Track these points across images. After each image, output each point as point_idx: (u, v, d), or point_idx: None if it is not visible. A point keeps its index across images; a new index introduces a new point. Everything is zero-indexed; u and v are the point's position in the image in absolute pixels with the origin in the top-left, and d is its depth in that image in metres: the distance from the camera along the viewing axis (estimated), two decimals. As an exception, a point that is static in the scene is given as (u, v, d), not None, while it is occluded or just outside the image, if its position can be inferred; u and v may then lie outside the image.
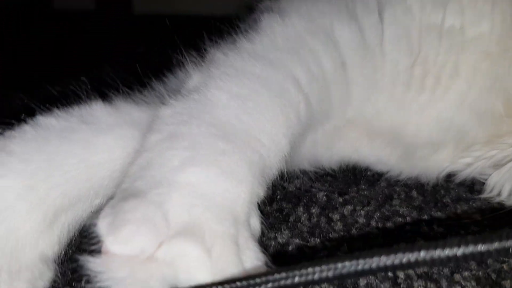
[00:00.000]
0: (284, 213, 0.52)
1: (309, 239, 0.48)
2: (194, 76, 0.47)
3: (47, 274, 0.40)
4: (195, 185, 0.35)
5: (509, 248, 0.26)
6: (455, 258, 0.26)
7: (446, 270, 0.43)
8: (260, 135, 0.41)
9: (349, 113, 0.55)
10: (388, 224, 0.50)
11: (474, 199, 0.55)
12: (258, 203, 0.40)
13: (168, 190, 0.34)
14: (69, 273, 0.43)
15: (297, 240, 0.48)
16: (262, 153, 0.41)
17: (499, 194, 0.54)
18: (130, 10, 2.16)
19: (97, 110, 0.44)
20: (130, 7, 2.16)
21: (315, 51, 0.50)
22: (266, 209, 0.52)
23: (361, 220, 0.51)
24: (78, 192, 0.41)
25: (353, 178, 0.59)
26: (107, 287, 0.31)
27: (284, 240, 0.48)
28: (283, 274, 0.28)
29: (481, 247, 0.26)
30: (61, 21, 1.98)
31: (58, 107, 0.43)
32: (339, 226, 0.50)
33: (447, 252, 0.26)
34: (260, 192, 0.39)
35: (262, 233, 0.44)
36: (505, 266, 0.43)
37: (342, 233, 0.49)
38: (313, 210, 0.52)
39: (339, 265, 0.27)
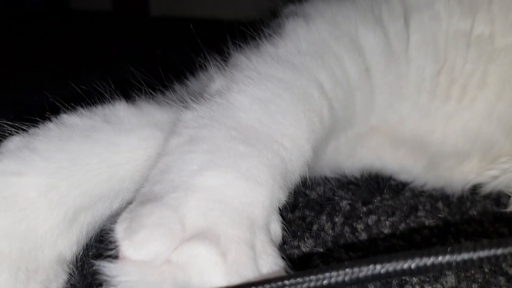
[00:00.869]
0: (307, 221, 0.51)
1: (333, 249, 0.46)
2: (217, 80, 0.47)
3: (62, 276, 0.40)
4: (212, 188, 0.35)
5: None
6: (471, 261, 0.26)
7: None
8: (282, 138, 0.41)
9: (372, 120, 0.55)
10: (414, 236, 0.48)
11: (501, 212, 0.54)
12: (280, 209, 0.39)
13: (185, 194, 0.34)
14: (89, 277, 0.43)
15: (321, 250, 0.46)
16: (284, 157, 0.40)
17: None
18: (147, 12, 2.18)
19: (120, 110, 0.44)
20: (147, 9, 2.19)
21: (340, 56, 0.49)
22: (288, 216, 0.51)
23: (386, 231, 0.50)
24: (99, 191, 0.41)
25: (376, 187, 0.58)
26: None
27: (308, 249, 0.47)
28: (299, 279, 0.27)
29: (496, 251, 0.26)
30: (78, 21, 2.02)
31: (82, 106, 0.43)
32: (363, 236, 0.49)
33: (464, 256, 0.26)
34: (281, 197, 0.39)
35: (285, 242, 0.44)
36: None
37: (367, 244, 0.47)
38: (337, 219, 0.51)
39: (356, 269, 0.27)
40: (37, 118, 0.41)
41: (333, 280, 0.27)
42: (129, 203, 0.37)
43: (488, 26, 0.53)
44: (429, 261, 0.26)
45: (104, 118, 0.43)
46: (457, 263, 0.26)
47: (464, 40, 0.54)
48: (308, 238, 0.48)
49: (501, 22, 0.53)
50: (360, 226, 0.50)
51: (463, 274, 0.42)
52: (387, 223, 0.51)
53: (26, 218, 0.37)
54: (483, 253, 0.26)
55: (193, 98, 0.44)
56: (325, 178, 0.57)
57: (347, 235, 0.49)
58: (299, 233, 0.49)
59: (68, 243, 0.40)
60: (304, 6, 0.55)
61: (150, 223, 0.32)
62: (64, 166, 0.39)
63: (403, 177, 0.59)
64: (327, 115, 0.46)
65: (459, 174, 0.56)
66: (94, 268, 0.34)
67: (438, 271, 0.35)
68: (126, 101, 0.45)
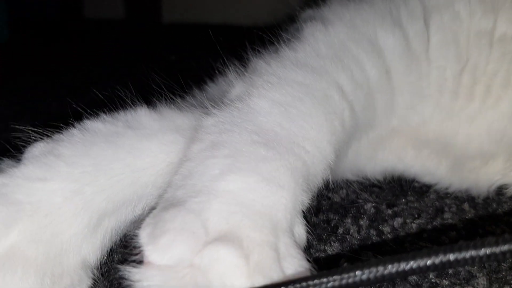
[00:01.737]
0: (332, 224, 0.51)
1: (360, 252, 0.46)
2: (236, 85, 0.47)
3: (86, 281, 0.40)
4: (234, 192, 0.35)
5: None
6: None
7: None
8: (304, 142, 0.40)
9: (393, 121, 0.54)
10: (442, 238, 0.47)
11: (528, 213, 0.52)
12: (304, 213, 0.38)
13: (207, 199, 0.34)
14: (115, 282, 0.43)
15: (348, 253, 0.46)
16: (305, 160, 0.40)
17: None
18: (159, 19, 2.21)
19: (142, 115, 0.45)
20: (159, 17, 2.21)
21: (359, 58, 0.49)
22: (312, 220, 0.50)
23: (412, 233, 0.49)
24: (122, 196, 0.41)
25: (400, 190, 0.57)
26: None
27: (334, 253, 0.46)
28: (324, 279, 0.27)
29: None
30: (92, 30, 2.05)
31: (104, 112, 0.44)
32: (390, 239, 0.48)
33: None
34: (304, 199, 0.38)
35: (311, 245, 0.43)
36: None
37: (394, 247, 0.47)
38: (362, 222, 0.51)
39: (381, 267, 0.27)
40: (61, 124, 0.42)
41: (357, 278, 0.27)
42: (152, 208, 0.38)
43: (511, 25, 0.53)
44: (452, 256, 0.26)
45: (127, 123, 0.43)
46: (480, 257, 0.26)
47: (487, 40, 0.53)
48: (334, 242, 0.48)
49: None
50: (386, 229, 0.49)
51: (494, 276, 0.41)
52: (414, 225, 0.50)
53: (52, 223, 0.37)
54: (504, 248, 0.26)
55: (212, 104, 0.44)
56: (347, 181, 0.56)
57: (373, 238, 0.48)
58: (324, 237, 0.48)
59: (92, 248, 0.40)
60: (322, 10, 0.55)
61: (173, 228, 0.32)
62: (88, 172, 0.39)
63: (426, 179, 0.58)
64: (348, 117, 0.45)
65: (484, 175, 0.55)
66: (119, 273, 0.34)
67: (461, 266, 0.35)
68: (147, 107, 0.46)
